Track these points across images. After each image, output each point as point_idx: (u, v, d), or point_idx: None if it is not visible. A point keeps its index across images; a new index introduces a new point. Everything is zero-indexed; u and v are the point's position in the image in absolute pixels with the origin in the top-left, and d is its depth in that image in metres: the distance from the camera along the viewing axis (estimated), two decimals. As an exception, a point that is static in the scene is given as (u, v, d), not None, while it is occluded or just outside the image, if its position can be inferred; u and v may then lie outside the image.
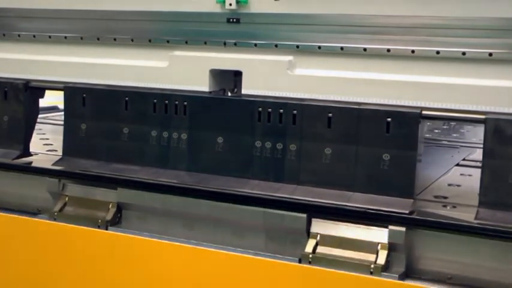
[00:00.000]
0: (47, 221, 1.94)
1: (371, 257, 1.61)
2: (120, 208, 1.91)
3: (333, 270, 1.58)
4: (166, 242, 1.77)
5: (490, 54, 1.59)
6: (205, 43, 1.86)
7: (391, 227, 1.60)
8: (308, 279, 1.60)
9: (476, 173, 1.71)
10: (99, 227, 1.88)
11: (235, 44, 1.83)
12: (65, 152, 2.03)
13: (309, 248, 1.66)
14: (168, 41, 1.91)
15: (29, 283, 1.93)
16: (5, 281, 1.96)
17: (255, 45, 1.80)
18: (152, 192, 1.87)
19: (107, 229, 1.88)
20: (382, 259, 1.60)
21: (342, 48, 1.72)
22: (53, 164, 2.01)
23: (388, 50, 1.68)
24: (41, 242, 1.91)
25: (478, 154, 2.32)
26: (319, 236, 1.67)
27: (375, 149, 1.67)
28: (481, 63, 1.61)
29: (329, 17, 1.72)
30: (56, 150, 2.26)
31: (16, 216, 1.97)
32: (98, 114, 1.97)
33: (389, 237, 1.60)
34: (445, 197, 1.82)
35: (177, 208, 1.84)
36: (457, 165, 2.25)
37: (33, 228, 1.92)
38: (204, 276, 1.71)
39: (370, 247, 1.62)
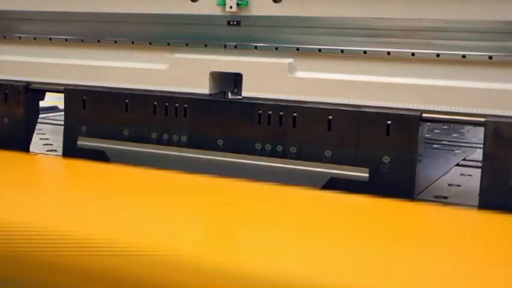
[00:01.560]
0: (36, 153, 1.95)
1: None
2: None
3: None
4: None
5: (490, 57, 1.59)
6: (205, 46, 1.86)
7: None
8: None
9: (476, 173, 1.71)
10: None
11: (235, 46, 1.83)
12: (65, 154, 2.03)
13: None
14: (168, 44, 1.91)
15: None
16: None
17: (256, 47, 1.81)
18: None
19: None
20: None
21: (342, 50, 1.72)
22: (54, 166, 2.02)
23: (388, 53, 1.68)
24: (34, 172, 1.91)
25: (478, 154, 2.32)
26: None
27: (375, 152, 1.68)
28: (481, 66, 1.61)
29: (329, 20, 1.73)
30: (56, 150, 2.25)
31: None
32: (98, 116, 1.98)
33: None
34: (445, 197, 1.82)
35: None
36: (457, 165, 2.25)
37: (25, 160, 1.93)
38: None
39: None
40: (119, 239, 1.32)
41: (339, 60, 1.74)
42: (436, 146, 2.59)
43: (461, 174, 2.12)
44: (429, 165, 2.11)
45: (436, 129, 2.99)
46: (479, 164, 1.64)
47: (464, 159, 2.33)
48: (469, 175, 2.09)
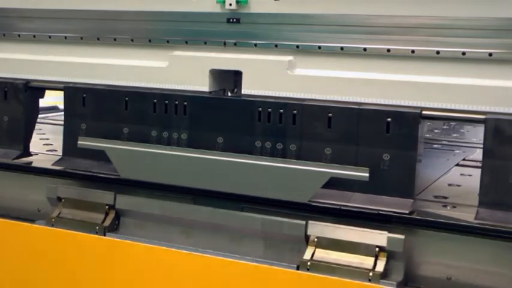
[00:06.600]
0: (44, 227, 1.91)
1: (369, 261, 1.60)
2: (118, 215, 1.90)
3: (331, 277, 1.57)
4: (164, 248, 1.75)
5: (490, 54, 1.59)
6: (205, 43, 1.86)
7: (389, 234, 1.58)
8: (306, 286, 1.59)
9: (476, 173, 1.71)
10: (96, 233, 1.86)
11: (235, 44, 1.83)
12: (65, 152, 2.03)
13: (307, 255, 1.64)
14: (168, 41, 1.90)
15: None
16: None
17: (255, 45, 1.80)
18: (151, 199, 1.86)
19: (104, 235, 1.86)
20: (380, 266, 1.58)
21: (342, 48, 1.72)
22: (53, 164, 2.01)
23: (388, 50, 1.68)
24: (38, 248, 1.89)
25: (478, 154, 2.32)
26: (316, 239, 1.65)
27: (375, 149, 1.67)
28: (481, 63, 1.61)
29: (329, 17, 1.72)
30: (56, 150, 2.26)
31: (13, 221, 1.96)
32: (97, 114, 1.97)
33: (388, 244, 1.58)
34: (445, 197, 1.82)
35: (175, 214, 1.83)
36: (457, 165, 2.25)
37: (30, 233, 1.91)
38: (201, 283, 1.70)
39: (369, 250, 1.61)
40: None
41: (339, 57, 1.73)
42: (436, 146, 2.59)
43: (461, 174, 2.12)
44: (429, 165, 2.11)
45: (436, 129, 3.00)
46: (479, 164, 1.64)
47: (464, 159, 2.34)
48: (469, 175, 2.10)
